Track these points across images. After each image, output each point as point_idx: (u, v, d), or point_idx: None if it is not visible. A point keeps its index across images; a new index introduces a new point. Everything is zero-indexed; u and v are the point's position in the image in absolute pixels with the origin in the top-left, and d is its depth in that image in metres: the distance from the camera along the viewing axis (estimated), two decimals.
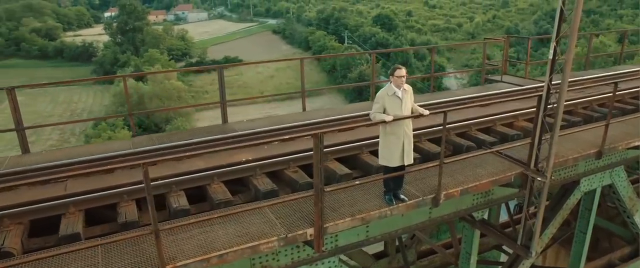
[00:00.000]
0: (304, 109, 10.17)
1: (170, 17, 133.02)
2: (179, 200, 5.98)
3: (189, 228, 5.40)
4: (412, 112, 5.80)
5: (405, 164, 5.79)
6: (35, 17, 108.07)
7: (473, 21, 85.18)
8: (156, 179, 6.38)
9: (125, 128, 43.86)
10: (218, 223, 5.54)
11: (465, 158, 7.07)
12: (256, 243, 5.17)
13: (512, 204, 14.06)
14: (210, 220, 5.47)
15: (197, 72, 76.42)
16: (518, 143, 7.59)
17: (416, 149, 7.69)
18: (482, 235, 9.14)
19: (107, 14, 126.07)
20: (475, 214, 7.98)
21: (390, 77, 5.61)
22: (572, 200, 8.84)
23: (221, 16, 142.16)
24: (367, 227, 6.43)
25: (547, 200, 9.30)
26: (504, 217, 13.78)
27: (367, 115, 6.14)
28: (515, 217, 11.72)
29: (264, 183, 6.42)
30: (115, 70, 67.79)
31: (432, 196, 6.21)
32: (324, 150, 7.17)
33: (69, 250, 4.71)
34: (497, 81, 12.10)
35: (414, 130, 7.86)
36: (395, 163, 5.74)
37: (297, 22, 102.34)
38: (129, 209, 5.81)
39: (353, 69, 61.84)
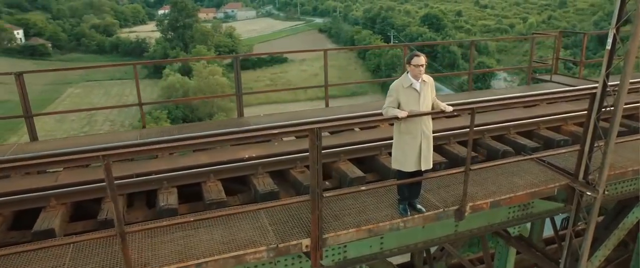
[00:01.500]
0: (326, 105, 9.44)
1: (220, 15, 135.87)
2: (168, 198, 5.41)
3: (171, 230, 4.82)
4: (432, 108, 4.93)
5: (423, 169, 4.93)
6: (95, 14, 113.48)
7: (526, 22, 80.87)
8: (150, 173, 5.89)
9: (168, 120, 44.83)
10: (205, 226, 4.92)
11: (499, 164, 6.08)
12: (241, 252, 4.50)
13: (560, 217, 12.65)
14: (196, 222, 4.87)
15: (243, 69, 77.40)
16: (564, 150, 6.49)
17: (443, 152, 6.81)
18: (519, 252, 8.07)
19: (160, 12, 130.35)
20: (510, 229, 6.98)
21: (407, 65, 4.77)
22: (631, 219, 7.58)
23: (269, 14, 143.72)
24: (382, 238, 5.63)
25: (600, 215, 8.09)
26: (549, 231, 12.42)
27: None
28: (561, 233, 10.45)
29: (263, 184, 5.75)
30: (164, 65, 69.73)
31: (455, 208, 5.31)
32: (337, 149, 6.49)
33: (30, 248, 4.25)
34: (545, 81, 10.83)
35: (442, 131, 7.05)
36: (410, 167, 4.89)
37: (344, 21, 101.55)
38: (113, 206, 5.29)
39: (398, 68, 60.30)
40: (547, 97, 7.60)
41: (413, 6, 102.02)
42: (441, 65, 61.00)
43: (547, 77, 11.10)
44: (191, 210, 5.61)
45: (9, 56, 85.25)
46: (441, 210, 5.27)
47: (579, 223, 6.55)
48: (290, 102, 56.73)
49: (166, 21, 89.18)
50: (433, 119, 5.02)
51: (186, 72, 64.09)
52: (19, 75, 7.46)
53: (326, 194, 4.62)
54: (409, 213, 5.12)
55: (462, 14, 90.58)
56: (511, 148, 6.94)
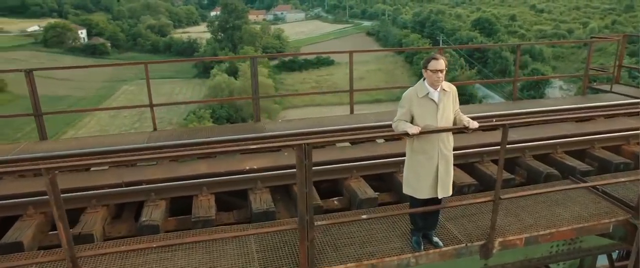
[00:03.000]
0: (351, 112, 8.70)
1: (270, 16, 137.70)
2: (152, 213, 4.86)
3: (145, 251, 4.25)
4: (454, 123, 4.07)
5: (440, 197, 4.07)
6: (152, 15, 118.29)
7: (587, 27, 75.68)
8: (140, 182, 5.38)
9: (211, 119, 45.43)
10: (184, 248, 4.32)
11: (540, 193, 5.09)
12: None
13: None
14: (173, 246, 4.28)
15: (289, 70, 78.12)
16: (625, 178, 5.38)
17: (474, 172, 5.89)
18: None
19: (212, 13, 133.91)
20: (553, 266, 5.93)
21: (423, 71, 3.94)
22: None
23: (318, 17, 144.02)
24: None
25: None
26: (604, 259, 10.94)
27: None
28: (618, 265, 9.09)
29: (260, 201, 5.08)
30: (213, 65, 71.26)
31: (480, 243, 4.42)
32: (349, 164, 5.73)
33: None
34: (605, 91, 9.51)
35: (474, 147, 6.13)
36: (424, 194, 4.05)
37: (392, 24, 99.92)
38: (92, 218, 4.82)
39: (448, 73, 58.15)
40: (605, 111, 6.44)
41: (464, 10, 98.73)
42: (492, 72, 58.26)
43: (606, 87, 9.76)
44: (179, 227, 5.05)
45: (73, 54, 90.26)
46: (463, 245, 4.39)
47: None
48: (336, 105, 56.04)
49: (216, 22, 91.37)
50: (454, 134, 4.13)
51: (233, 72, 65.06)
52: (28, 73, 7.25)
53: (319, 222, 3.88)
54: (422, 247, 4.28)
55: (516, 18, 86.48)
56: (557, 170, 5.88)
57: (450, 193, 4.11)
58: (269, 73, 66.39)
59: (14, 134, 51.79)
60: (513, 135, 6.58)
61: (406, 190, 4.17)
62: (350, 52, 8.49)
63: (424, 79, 3.96)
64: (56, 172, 3.32)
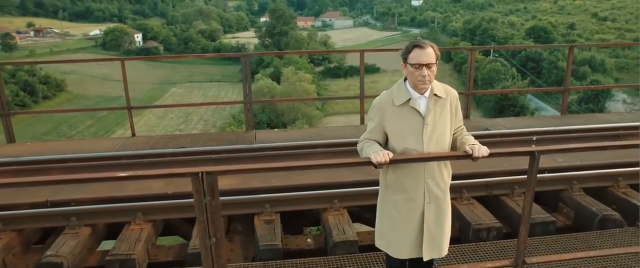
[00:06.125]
0: (361, 121, 7.41)
1: (318, 23, 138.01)
2: (63, 245, 3.78)
3: None
4: (452, 147, 2.68)
5: (425, 259, 2.68)
6: (204, 20, 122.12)
7: None
8: (69, 202, 4.33)
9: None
10: None
11: (590, 257, 3.56)
12: None
13: None
14: None
15: (335, 77, 77.48)
16: None
17: (499, 209, 4.41)
18: None
19: (262, 19, 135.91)
20: None
21: (403, 67, 2.59)
22: None
23: (366, 24, 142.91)
24: None
25: None
26: None
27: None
28: None
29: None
30: (258, 69, 71.79)
31: None
32: (327, 191, 4.42)
33: None
34: None
35: (500, 174, 4.65)
36: (403, 252, 2.68)
37: (442, 32, 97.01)
38: None
39: (495, 83, 55.07)
40: None
41: (519, 18, 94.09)
42: (546, 82, 54.52)
43: None
44: (101, 263, 3.95)
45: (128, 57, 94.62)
46: None
47: None
48: None
49: (264, 28, 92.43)
50: (451, 163, 2.74)
51: (276, 77, 65.28)
52: None
53: None
54: None
55: (575, 26, 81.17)
56: (618, 212, 4.30)
57: (444, 253, 2.71)
58: (313, 79, 65.93)
59: (69, 131, 54.28)
60: (558, 159, 5.03)
61: (379, 243, 2.80)
62: (361, 51, 7.23)
63: (405, 80, 2.61)
64: None
